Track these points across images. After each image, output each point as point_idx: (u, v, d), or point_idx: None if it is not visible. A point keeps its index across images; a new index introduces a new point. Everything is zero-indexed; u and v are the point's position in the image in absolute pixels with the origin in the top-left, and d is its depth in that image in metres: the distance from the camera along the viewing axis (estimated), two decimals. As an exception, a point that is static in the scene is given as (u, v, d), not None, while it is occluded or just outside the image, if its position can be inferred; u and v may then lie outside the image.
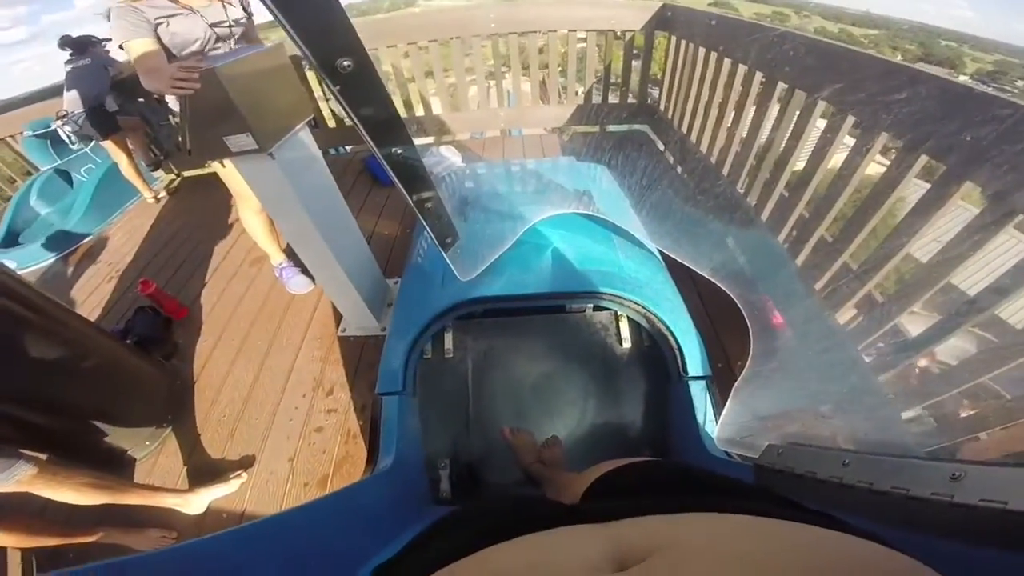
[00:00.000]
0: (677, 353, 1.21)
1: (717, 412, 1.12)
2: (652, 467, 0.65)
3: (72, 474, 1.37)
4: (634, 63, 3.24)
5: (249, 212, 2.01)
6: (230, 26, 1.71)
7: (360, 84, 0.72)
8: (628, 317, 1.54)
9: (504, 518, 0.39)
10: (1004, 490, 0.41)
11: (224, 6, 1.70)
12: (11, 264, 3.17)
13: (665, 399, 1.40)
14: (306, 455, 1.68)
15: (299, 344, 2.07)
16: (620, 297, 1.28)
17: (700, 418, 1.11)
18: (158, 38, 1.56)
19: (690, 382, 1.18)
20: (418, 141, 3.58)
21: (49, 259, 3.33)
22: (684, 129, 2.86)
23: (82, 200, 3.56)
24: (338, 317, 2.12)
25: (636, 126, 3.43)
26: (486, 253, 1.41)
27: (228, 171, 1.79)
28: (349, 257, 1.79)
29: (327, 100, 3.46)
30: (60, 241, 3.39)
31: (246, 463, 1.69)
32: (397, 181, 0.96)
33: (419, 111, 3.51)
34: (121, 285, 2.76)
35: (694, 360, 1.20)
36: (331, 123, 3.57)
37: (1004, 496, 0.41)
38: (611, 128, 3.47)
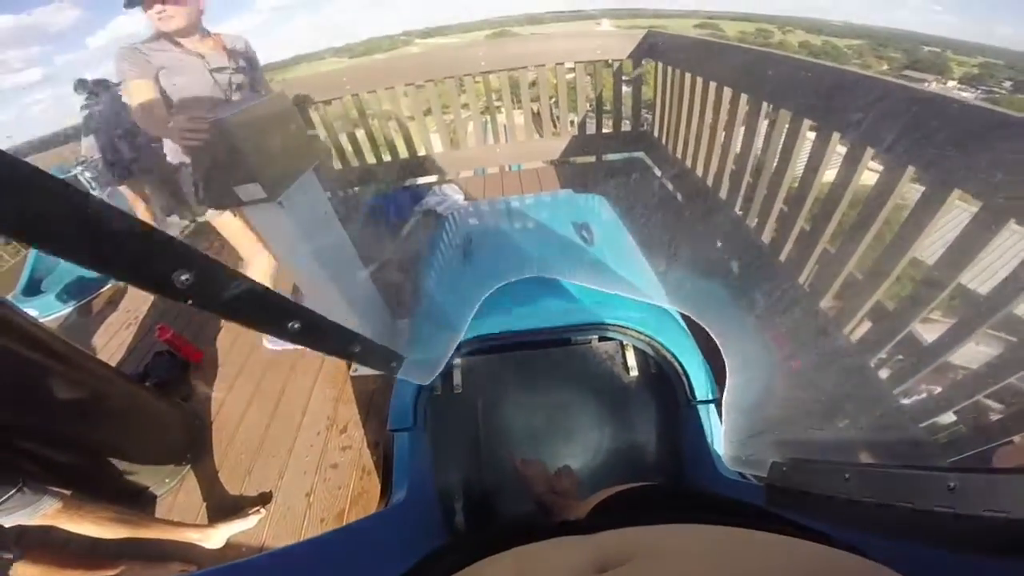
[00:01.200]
0: (684, 378, 1.24)
1: (727, 434, 1.15)
2: (651, 489, 0.67)
3: (95, 509, 1.42)
4: (625, 89, 3.34)
5: (258, 272, 2.01)
6: (231, 73, 1.74)
7: (211, 287, 0.50)
8: (633, 346, 1.58)
9: (500, 537, 0.41)
10: (1004, 500, 0.41)
11: (228, 54, 1.73)
12: (33, 312, 3.26)
13: (675, 424, 1.42)
14: (322, 491, 1.71)
15: (312, 384, 2.13)
16: (624, 327, 1.31)
17: (711, 441, 1.13)
18: (159, 84, 1.59)
19: (698, 406, 1.20)
20: (420, 180, 3.74)
21: (70, 307, 3.42)
22: (679, 154, 2.94)
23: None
24: (350, 357, 2.17)
25: (632, 154, 3.52)
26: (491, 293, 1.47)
27: (234, 235, 1.85)
28: (358, 299, 1.86)
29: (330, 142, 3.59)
30: (80, 289, 3.49)
31: (264, 499, 1.73)
32: (311, 348, 0.74)
33: (420, 151, 3.63)
34: (139, 331, 2.85)
35: (700, 384, 1.23)
36: (337, 165, 3.70)
37: (1005, 506, 0.40)
38: (607, 157, 3.56)
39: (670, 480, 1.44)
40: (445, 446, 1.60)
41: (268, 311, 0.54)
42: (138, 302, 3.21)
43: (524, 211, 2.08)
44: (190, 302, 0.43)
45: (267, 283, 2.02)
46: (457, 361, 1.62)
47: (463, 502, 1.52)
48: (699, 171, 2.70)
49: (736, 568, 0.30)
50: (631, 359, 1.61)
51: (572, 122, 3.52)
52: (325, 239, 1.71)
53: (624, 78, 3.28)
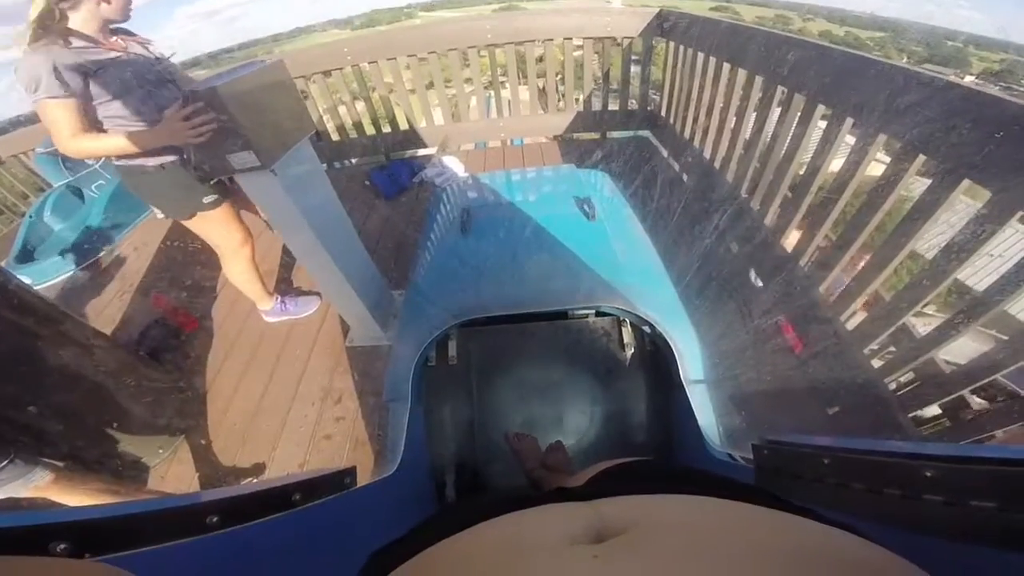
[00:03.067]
0: (678, 358, 1.23)
1: (719, 414, 1.14)
2: (644, 464, 0.67)
3: (86, 480, 1.41)
4: (633, 68, 3.27)
5: (235, 266, 1.97)
6: (156, 63, 1.56)
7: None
8: (630, 322, 1.56)
9: (496, 505, 0.40)
10: (989, 492, 0.39)
11: (145, 48, 1.56)
12: (27, 280, 3.22)
13: (668, 403, 1.42)
14: (316, 462, 1.71)
15: (308, 355, 2.11)
16: (622, 306, 1.30)
17: (703, 421, 1.12)
18: (87, 93, 1.37)
19: (691, 385, 1.19)
20: (420, 152, 3.67)
21: (63, 274, 3.38)
22: (686, 134, 2.89)
23: (94, 216, 3.63)
24: (345, 328, 2.16)
25: (637, 132, 3.46)
26: (489, 266, 1.44)
27: (205, 225, 1.77)
28: (354, 270, 1.83)
29: (329, 113, 3.51)
30: (73, 256, 3.44)
31: (257, 470, 1.73)
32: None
33: (420, 122, 3.56)
34: (133, 299, 2.82)
35: (695, 364, 1.22)
36: (335, 136, 3.63)
37: (992, 499, 0.39)
38: (612, 134, 3.50)
39: (663, 457, 1.45)
40: (439, 417, 1.59)
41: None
42: (131, 269, 3.16)
43: (525, 184, 2.04)
44: None
45: (247, 275, 2.01)
46: (453, 332, 1.61)
47: (455, 474, 1.52)
48: (707, 153, 2.65)
49: (736, 540, 0.30)
50: (627, 336, 1.60)
51: (577, 99, 3.44)
52: (320, 208, 1.67)
53: (634, 57, 3.20)
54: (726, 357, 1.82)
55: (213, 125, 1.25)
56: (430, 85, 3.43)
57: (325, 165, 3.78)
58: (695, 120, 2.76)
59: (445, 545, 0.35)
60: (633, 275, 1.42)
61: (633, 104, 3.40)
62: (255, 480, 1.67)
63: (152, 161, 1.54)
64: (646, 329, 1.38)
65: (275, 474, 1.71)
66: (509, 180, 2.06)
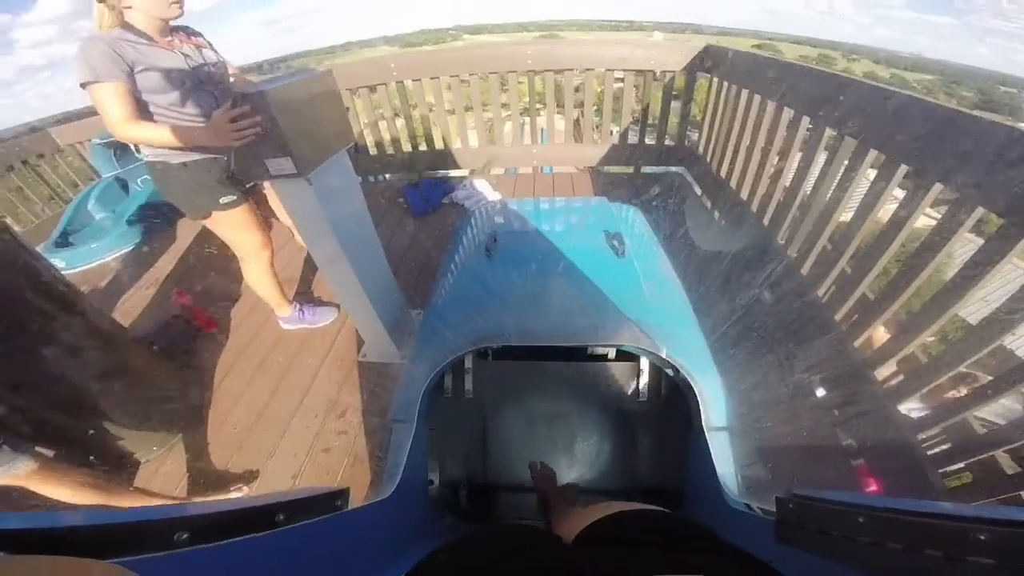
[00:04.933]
0: (700, 403, 1.14)
1: (738, 464, 1.05)
2: (642, 517, 0.67)
3: (71, 473, 1.37)
4: (673, 104, 3.24)
5: (253, 270, 1.97)
6: (208, 65, 1.58)
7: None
8: (651, 364, 1.47)
9: (498, 552, 0.43)
10: None
11: (198, 49, 1.57)
12: (59, 263, 3.33)
13: (685, 449, 1.32)
14: (310, 474, 1.64)
15: (318, 366, 2.07)
16: (647, 347, 1.22)
17: (721, 469, 1.04)
18: (134, 83, 1.40)
19: (712, 432, 1.11)
20: (452, 173, 3.69)
21: (96, 261, 3.48)
22: (723, 173, 2.81)
23: (135, 208, 3.74)
24: (360, 342, 2.12)
25: (672, 168, 3.40)
26: (511, 294, 1.39)
27: (222, 226, 1.76)
28: (374, 285, 1.79)
29: (370, 128, 3.58)
30: (108, 245, 3.55)
31: (249, 477, 1.67)
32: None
33: (455, 143, 3.58)
34: (158, 293, 2.85)
35: (717, 410, 1.14)
36: (373, 151, 3.68)
37: None
38: (646, 170, 3.45)
39: (671, 504, 1.33)
40: (448, 447, 1.51)
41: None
42: (161, 264, 3.23)
43: (554, 214, 1.99)
44: None
45: (265, 280, 2.01)
46: (469, 363, 1.55)
47: (457, 503, 1.44)
48: (743, 193, 2.57)
49: None
50: (647, 377, 1.52)
51: (612, 132, 3.42)
52: (350, 221, 1.65)
53: (674, 93, 3.17)
54: (751, 407, 1.70)
55: (257, 128, 1.24)
56: (468, 108, 3.47)
57: (360, 178, 3.83)
58: (733, 160, 2.69)
59: None
60: (659, 316, 1.34)
61: (669, 141, 3.35)
62: (243, 489, 1.61)
63: (177, 157, 1.55)
64: (668, 372, 1.30)
65: (267, 483, 1.64)
66: (538, 208, 2.01)
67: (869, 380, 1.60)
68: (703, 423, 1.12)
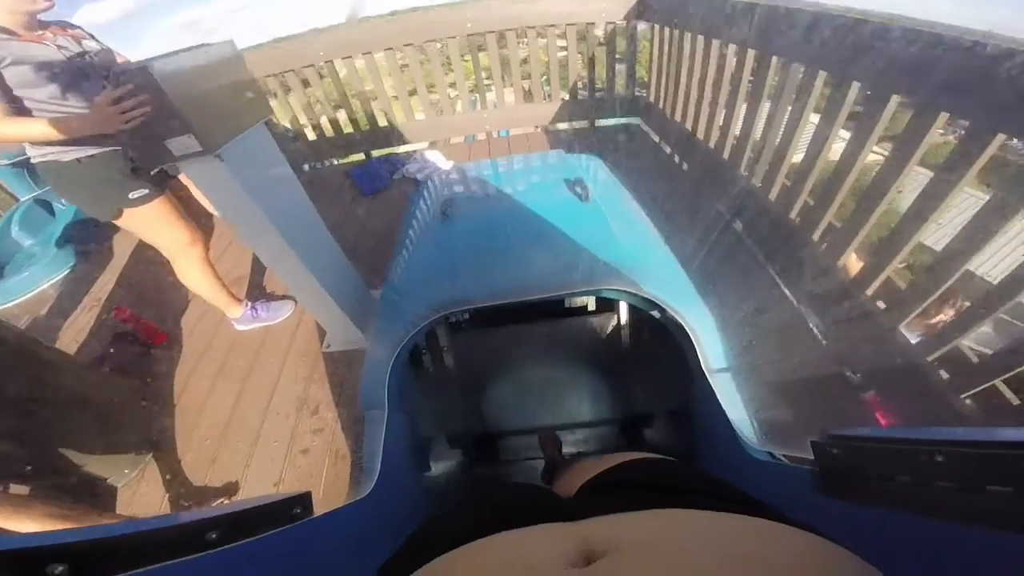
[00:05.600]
0: (696, 344, 1.07)
1: (750, 407, 0.99)
2: (646, 465, 0.64)
3: (32, 505, 1.27)
4: (619, 59, 3.15)
5: (187, 270, 1.83)
6: (91, 57, 1.45)
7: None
8: (635, 309, 1.42)
9: (487, 522, 0.40)
10: None
11: (76, 40, 1.43)
12: (-6, 300, 3.10)
13: (687, 397, 1.25)
14: (292, 479, 1.56)
15: (281, 364, 1.96)
16: (626, 287, 1.14)
17: (733, 416, 0.95)
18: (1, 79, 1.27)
19: (714, 375, 1.04)
20: (400, 149, 3.54)
21: (33, 290, 3.23)
22: (678, 118, 2.77)
23: (61, 229, 3.47)
24: (322, 333, 2.01)
25: (627, 119, 3.34)
26: (473, 254, 1.31)
27: (138, 224, 1.63)
28: (325, 268, 1.69)
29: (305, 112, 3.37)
30: (41, 272, 3.29)
31: (229, 490, 1.58)
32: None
33: (399, 118, 3.42)
34: (102, 312, 2.66)
35: (714, 350, 1.06)
36: (312, 136, 3.48)
37: None
38: (600, 123, 3.37)
39: (687, 457, 1.29)
40: (427, 425, 1.45)
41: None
42: (102, 282, 3.01)
43: (511, 171, 1.90)
44: None
45: (204, 280, 1.87)
46: (444, 340, 1.48)
47: (447, 486, 1.38)
48: (700, 133, 2.53)
49: (723, 559, 0.29)
50: (633, 324, 1.46)
51: (563, 89, 3.31)
52: (281, 200, 1.53)
53: (617, 56, 3.09)
54: (749, 342, 1.67)
55: (147, 108, 1.11)
56: (413, 92, 3.31)
57: (307, 167, 3.63)
58: (686, 102, 2.64)
59: (434, 568, 0.35)
60: (635, 256, 1.27)
61: (620, 91, 3.28)
62: (225, 503, 1.52)
63: (70, 154, 1.42)
64: (655, 315, 1.21)
65: (250, 494, 1.56)
66: (495, 168, 1.93)
67: (860, 302, 1.57)
68: (703, 366, 1.05)
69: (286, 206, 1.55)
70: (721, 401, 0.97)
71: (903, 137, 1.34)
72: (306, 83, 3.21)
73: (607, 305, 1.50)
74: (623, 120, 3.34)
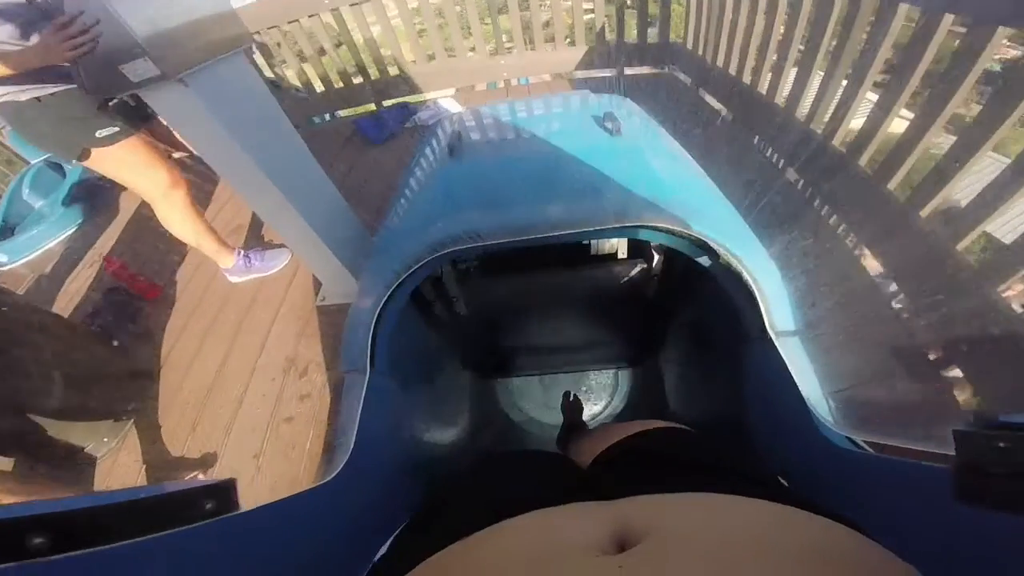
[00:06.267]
0: (760, 299, 0.82)
1: (825, 379, 0.73)
2: (668, 435, 0.63)
3: (6, 478, 1.16)
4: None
5: (168, 215, 1.66)
6: None
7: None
8: (678, 255, 1.16)
9: (514, 502, 0.38)
10: None
11: None
12: (3, 257, 3.07)
13: (740, 363, 0.96)
14: (273, 451, 1.40)
15: (272, 318, 1.79)
16: (669, 226, 0.86)
17: (805, 390, 0.70)
18: None
19: (781, 339, 0.78)
20: (414, 98, 3.29)
21: (39, 249, 3.19)
22: (720, 63, 2.44)
23: (68, 188, 3.41)
24: (319, 285, 1.82)
25: (660, 69, 3.00)
26: (483, 189, 1.08)
27: (110, 165, 1.49)
28: (317, 209, 1.49)
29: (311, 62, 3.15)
30: (47, 231, 3.26)
31: (207, 461, 1.43)
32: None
33: (409, 66, 3.17)
34: (101, 270, 2.55)
35: (782, 309, 0.81)
36: (320, 87, 3.26)
37: None
38: (630, 71, 3.03)
39: (740, 440, 1.04)
40: (426, 391, 1.24)
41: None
42: (107, 238, 2.91)
43: (529, 109, 1.64)
44: None
45: (189, 225, 1.69)
46: (449, 283, 1.26)
47: (449, 463, 1.18)
48: (746, 76, 2.21)
49: (760, 549, 0.29)
50: (672, 275, 1.21)
51: (589, 33, 2.99)
52: (263, 133, 1.33)
53: None
54: (817, 303, 1.39)
55: (97, 33, 1.01)
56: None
57: (317, 119, 3.43)
58: (729, 46, 2.32)
59: (461, 551, 0.34)
60: (678, 192, 0.99)
61: (653, 39, 2.94)
62: (200, 477, 1.37)
63: (26, 93, 1.29)
64: (703, 262, 0.94)
65: (228, 466, 1.40)
66: (511, 107, 1.66)
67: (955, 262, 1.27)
68: (767, 325, 0.79)
69: (269, 141, 1.36)
70: (793, 373, 0.72)
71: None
72: (310, 32, 2.98)
73: (640, 251, 1.25)
74: (656, 69, 3.01)
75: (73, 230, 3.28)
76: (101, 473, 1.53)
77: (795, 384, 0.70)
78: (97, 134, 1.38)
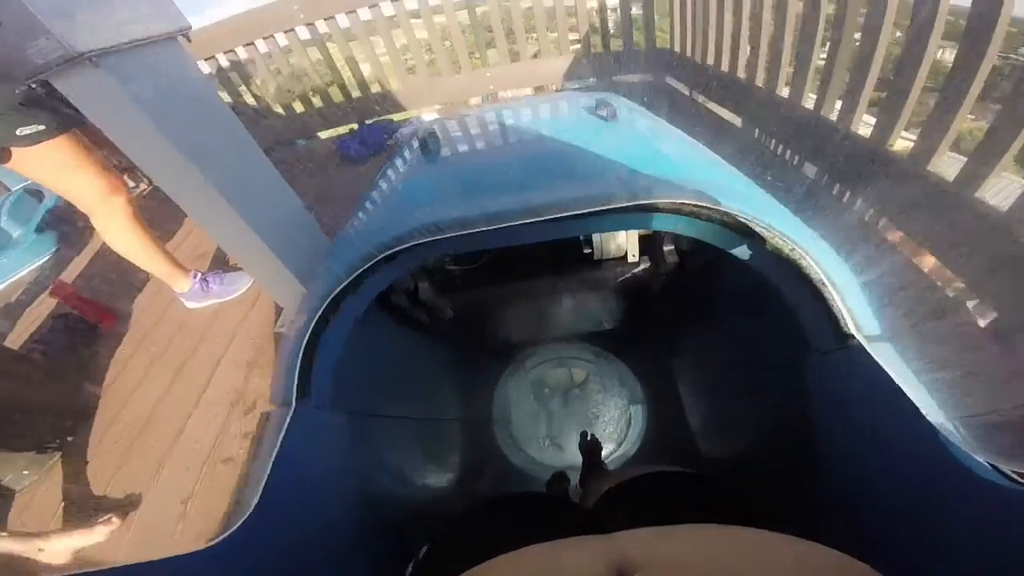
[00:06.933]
0: (833, 294, 0.60)
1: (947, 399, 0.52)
2: (677, 481, 0.63)
3: None
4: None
5: (107, 227, 1.49)
6: None
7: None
8: (699, 251, 0.96)
9: (516, 534, 0.39)
10: None
11: None
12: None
13: (806, 381, 0.69)
14: (205, 495, 1.21)
15: (225, 347, 1.62)
16: (696, 203, 0.65)
17: (933, 414, 0.49)
18: None
19: (873, 344, 0.57)
20: (397, 116, 3.19)
21: (10, 278, 3.06)
22: (711, 62, 2.32)
23: (43, 214, 3.32)
24: (279, 311, 1.66)
25: (648, 76, 2.90)
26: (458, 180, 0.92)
27: (43, 171, 1.35)
28: (273, 222, 1.33)
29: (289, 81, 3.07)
30: (17, 259, 3.14)
31: (131, 503, 1.24)
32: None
33: (392, 84, 3.08)
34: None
35: (861, 307, 0.60)
36: (300, 108, 3.17)
37: None
38: (618, 78, 2.93)
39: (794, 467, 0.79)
40: (398, 431, 1.05)
41: None
42: (77, 263, 2.79)
43: (515, 110, 1.48)
44: None
45: (132, 240, 1.51)
46: (402, 277, 1.07)
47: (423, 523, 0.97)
48: (741, 72, 2.09)
49: None
50: (693, 273, 1.01)
51: (574, 42, 2.91)
52: (204, 132, 1.20)
53: None
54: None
55: None
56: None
57: (302, 142, 3.33)
58: (719, 44, 2.21)
59: None
60: (692, 170, 0.83)
61: (637, 45, 2.85)
62: (113, 522, 1.18)
63: None
64: (738, 254, 0.71)
65: (151, 510, 1.21)
66: (496, 109, 1.51)
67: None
68: (851, 328, 0.59)
69: (210, 136, 1.22)
70: (901, 384, 0.52)
71: None
72: (287, 50, 2.91)
73: (652, 248, 1.05)
74: (644, 76, 2.90)
75: (46, 258, 3.16)
76: (17, 508, 1.36)
77: (907, 399, 0.50)
78: (18, 132, 1.23)
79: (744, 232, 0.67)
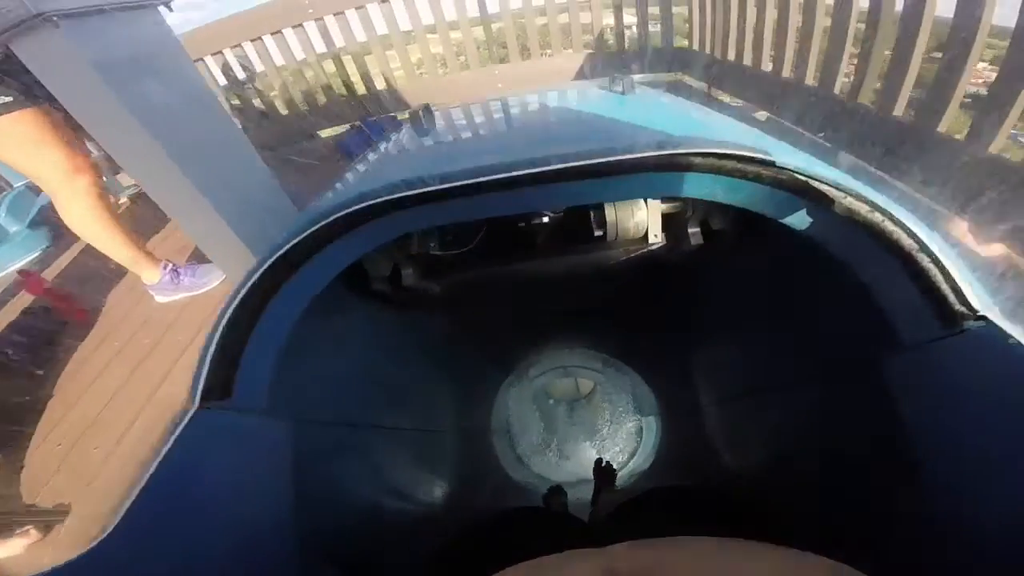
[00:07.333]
0: (930, 270, 0.44)
1: None
2: (687, 496, 0.64)
3: None
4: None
5: (68, 208, 1.38)
6: None
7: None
8: (734, 226, 0.76)
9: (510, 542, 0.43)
10: None
11: None
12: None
13: (896, 378, 0.48)
14: (140, 506, 1.03)
15: (189, 340, 1.46)
16: (742, 154, 0.49)
17: None
18: None
19: (987, 325, 0.41)
20: (401, 116, 3.08)
21: (3, 271, 2.99)
22: (732, 57, 2.19)
23: (38, 210, 3.25)
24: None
25: (665, 74, 2.77)
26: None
27: (6, 145, 1.25)
28: (243, 209, 1.20)
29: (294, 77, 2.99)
30: (9, 254, 3.08)
31: (59, 512, 1.07)
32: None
33: (397, 80, 3.00)
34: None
35: (968, 283, 0.42)
36: (302, 106, 3.09)
37: None
38: (638, 77, 2.80)
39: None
40: (365, 442, 0.86)
41: None
42: (68, 257, 2.69)
43: (522, 100, 1.33)
44: None
45: (95, 223, 1.38)
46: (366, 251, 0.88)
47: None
48: (765, 64, 1.94)
49: None
50: (734, 252, 0.80)
51: (587, 40, 2.81)
52: (174, 107, 1.08)
53: None
54: None
55: None
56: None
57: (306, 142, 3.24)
58: (740, 40, 2.08)
59: None
60: (727, 132, 0.66)
61: (655, 43, 2.73)
62: (31, 534, 1.02)
63: None
64: (794, 224, 0.52)
65: (83, 520, 1.04)
66: (505, 101, 1.37)
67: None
68: (971, 302, 0.42)
69: (180, 109, 1.11)
70: None
71: None
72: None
73: (676, 222, 0.84)
74: (660, 75, 2.77)
75: (38, 254, 3.08)
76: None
77: None
78: None
79: (804, 193, 0.49)
